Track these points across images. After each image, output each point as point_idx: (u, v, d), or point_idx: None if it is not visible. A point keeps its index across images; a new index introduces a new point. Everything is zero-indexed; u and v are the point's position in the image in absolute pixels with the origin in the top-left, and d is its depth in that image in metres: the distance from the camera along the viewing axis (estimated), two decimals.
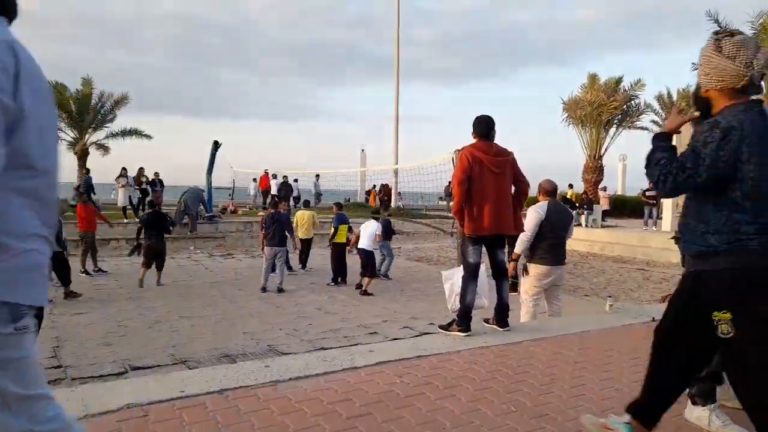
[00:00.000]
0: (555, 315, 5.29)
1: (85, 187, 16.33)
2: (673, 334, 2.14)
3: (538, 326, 4.60)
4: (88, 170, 18.25)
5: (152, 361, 5.24)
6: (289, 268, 10.39)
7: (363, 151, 29.95)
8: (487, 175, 4.16)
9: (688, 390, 2.63)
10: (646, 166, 2.07)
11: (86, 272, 10.13)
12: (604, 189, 22.77)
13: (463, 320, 4.16)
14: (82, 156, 21.47)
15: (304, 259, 11.08)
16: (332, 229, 10.18)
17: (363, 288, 8.79)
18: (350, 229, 10.03)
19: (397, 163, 23.82)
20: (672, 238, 3.02)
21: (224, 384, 2.94)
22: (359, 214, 20.31)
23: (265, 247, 9.21)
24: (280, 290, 8.84)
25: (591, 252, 15.04)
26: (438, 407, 2.77)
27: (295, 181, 24.17)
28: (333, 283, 9.61)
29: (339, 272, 9.75)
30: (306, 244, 10.98)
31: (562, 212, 5.32)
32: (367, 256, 8.99)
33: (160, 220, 9.79)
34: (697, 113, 2.10)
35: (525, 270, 5.26)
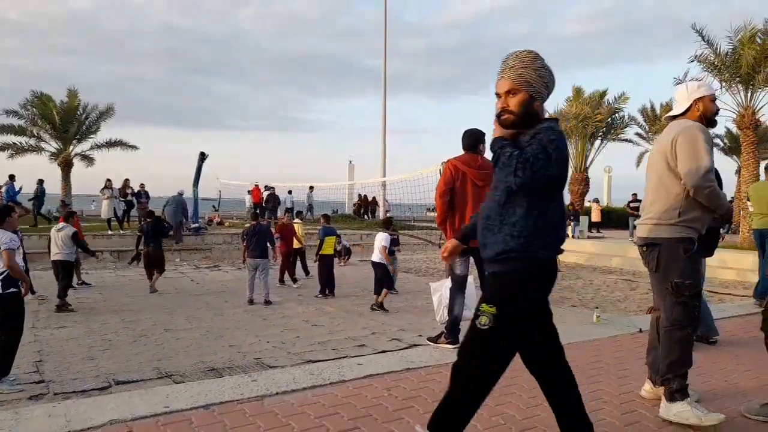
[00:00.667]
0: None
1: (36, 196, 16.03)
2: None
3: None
4: (41, 180, 17.59)
5: (137, 375, 5.15)
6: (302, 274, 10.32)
7: (351, 162, 30.00)
8: (469, 188, 4.19)
9: (664, 389, 2.69)
10: (496, 163, 2.09)
11: (71, 286, 9.98)
12: (596, 200, 23.00)
13: (452, 332, 4.16)
14: (66, 167, 21.25)
15: (293, 271, 11.06)
16: (318, 241, 10.14)
17: (378, 302, 8.41)
18: (339, 241, 10.00)
19: (384, 175, 23.88)
20: (642, 245, 3.18)
21: (210, 399, 2.90)
22: (346, 226, 20.31)
23: (247, 259, 9.18)
24: (267, 302, 8.76)
25: (578, 263, 15.15)
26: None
27: (289, 192, 24.11)
28: (321, 295, 9.55)
29: (327, 284, 9.70)
30: (295, 255, 11.02)
31: None
32: (378, 269, 8.66)
33: (159, 228, 10.12)
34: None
35: None
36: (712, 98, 3.06)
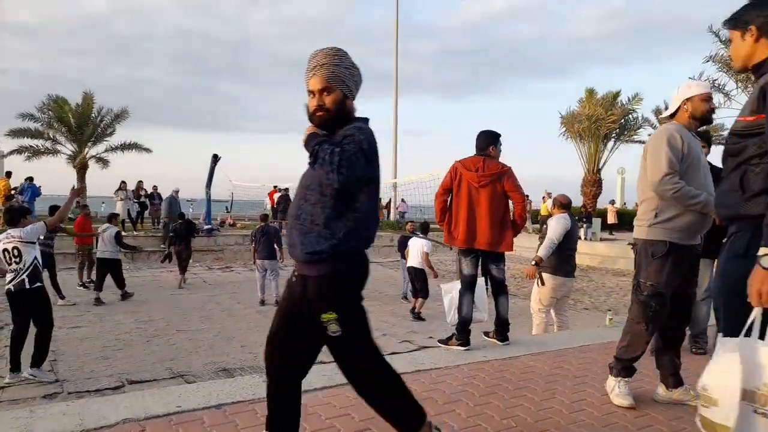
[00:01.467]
0: (564, 327, 5.32)
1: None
2: (281, 337, 2.20)
3: (538, 340, 4.59)
4: (30, 178, 17.25)
5: (149, 375, 5.20)
6: None
7: None
8: (464, 190, 4.19)
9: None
10: (315, 161, 1.94)
11: (84, 285, 10.11)
12: (612, 202, 22.78)
13: (462, 334, 4.15)
14: (82, 169, 21.50)
15: None
16: None
17: (417, 311, 8.29)
18: None
19: (395, 177, 23.87)
20: (630, 244, 3.24)
21: (222, 398, 2.92)
22: None
23: (257, 260, 9.23)
24: (278, 303, 8.79)
25: (591, 265, 15.03)
26: (438, 422, 2.74)
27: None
28: None
29: None
30: None
31: (575, 225, 5.52)
32: (417, 275, 8.45)
33: (189, 229, 11.40)
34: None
35: (540, 281, 5.23)
36: (704, 97, 2.98)
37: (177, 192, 17.00)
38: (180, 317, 7.83)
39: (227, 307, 8.67)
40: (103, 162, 22.42)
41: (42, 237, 5.41)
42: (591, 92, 23.71)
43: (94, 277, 10.33)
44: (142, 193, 17.93)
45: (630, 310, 3.06)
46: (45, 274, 7.70)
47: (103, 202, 17.32)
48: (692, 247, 2.97)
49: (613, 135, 23.45)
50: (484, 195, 4.18)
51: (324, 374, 3.42)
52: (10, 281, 5.04)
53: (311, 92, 2.05)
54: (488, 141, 4.34)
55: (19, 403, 4.37)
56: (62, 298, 8.53)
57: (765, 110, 1.81)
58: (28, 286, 5.00)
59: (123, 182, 17.06)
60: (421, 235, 9.03)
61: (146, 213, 18.19)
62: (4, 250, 5.04)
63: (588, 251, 15.79)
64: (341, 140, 1.95)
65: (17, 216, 5.30)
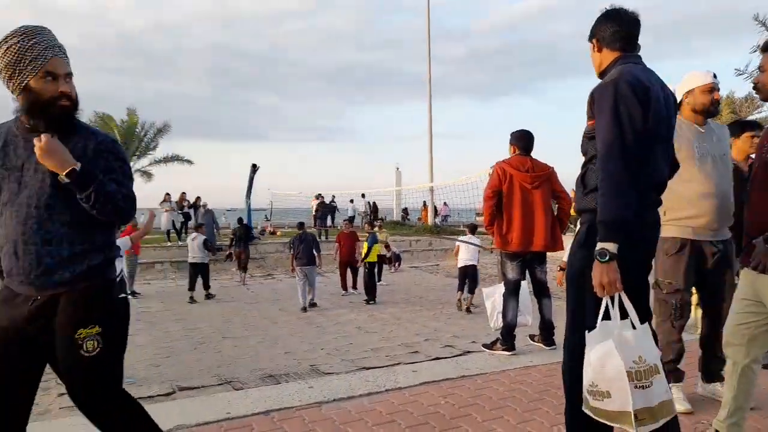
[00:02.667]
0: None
1: None
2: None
3: None
4: None
5: (198, 382, 5.31)
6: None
7: (398, 169, 30.03)
8: (517, 191, 4.11)
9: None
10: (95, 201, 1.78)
11: (132, 294, 10.47)
12: None
13: (507, 339, 4.09)
14: None
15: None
16: (365, 248, 10.22)
17: (467, 306, 8.55)
18: (388, 248, 10.07)
19: (432, 181, 23.79)
20: None
21: (269, 405, 2.96)
22: (395, 232, 20.33)
23: (296, 267, 9.42)
24: (312, 305, 9.09)
25: None
26: (486, 429, 2.70)
27: (351, 201, 24.44)
28: (372, 302, 9.61)
29: (370, 291, 9.78)
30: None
31: None
32: (468, 271, 8.71)
33: (247, 232, 13.21)
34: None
35: None
36: (705, 89, 2.85)
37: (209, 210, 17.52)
38: (225, 325, 8.00)
39: (270, 314, 8.81)
40: (147, 175, 23.24)
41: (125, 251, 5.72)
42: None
43: (135, 288, 10.73)
44: (185, 204, 18.43)
45: (654, 311, 2.96)
46: None
47: (142, 214, 17.96)
48: (712, 243, 2.87)
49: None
50: (539, 196, 4.13)
51: (368, 380, 3.43)
52: None
53: (52, 75, 1.74)
54: (529, 140, 4.28)
55: (76, 410, 4.54)
56: None
57: (593, 115, 1.97)
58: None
59: (167, 194, 17.60)
60: (466, 237, 9.35)
61: (190, 223, 18.71)
62: None
63: None
64: (93, 149, 1.81)
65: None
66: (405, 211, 27.96)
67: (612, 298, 1.87)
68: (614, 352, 1.80)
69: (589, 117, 2.07)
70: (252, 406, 2.94)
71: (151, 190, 24.74)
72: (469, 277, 8.69)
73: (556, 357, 3.97)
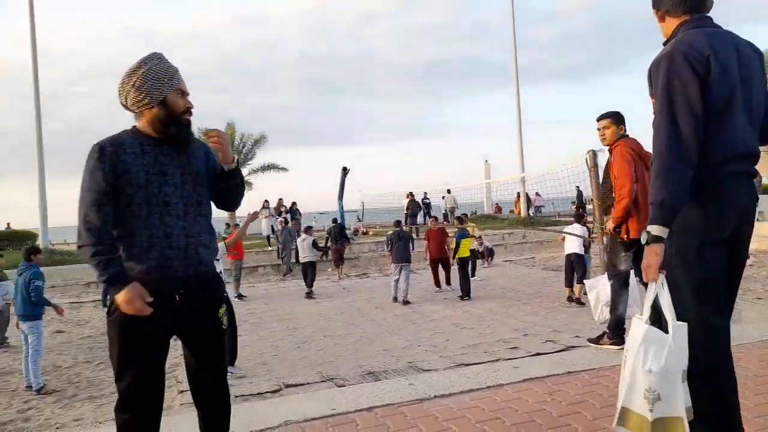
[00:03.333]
0: (734, 322, 4.69)
1: None
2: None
3: None
4: None
5: (302, 379, 5.53)
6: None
7: (487, 161, 29.48)
8: (641, 175, 3.86)
9: None
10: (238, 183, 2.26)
11: (239, 297, 11.13)
12: None
13: (616, 332, 3.86)
14: None
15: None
16: (454, 244, 10.10)
17: (576, 297, 8.26)
18: (481, 242, 9.86)
19: (523, 171, 23.06)
20: None
21: (371, 401, 3.00)
22: (487, 226, 19.95)
23: (392, 263, 9.74)
24: (405, 302, 9.14)
25: (759, 248, 13.20)
26: (598, 428, 2.56)
27: (443, 198, 24.48)
28: (467, 297, 9.49)
29: (464, 287, 9.65)
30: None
31: None
32: (577, 261, 8.43)
33: (342, 231, 14.45)
34: None
35: None
36: None
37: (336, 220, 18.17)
38: (325, 323, 8.26)
39: (366, 312, 8.98)
40: (247, 184, 24.53)
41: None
42: None
43: (241, 291, 11.38)
44: (283, 209, 19.29)
45: None
46: None
47: (227, 224, 19.06)
48: None
49: None
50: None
51: (468, 377, 3.38)
52: None
53: (182, 92, 2.08)
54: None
55: (192, 407, 4.89)
56: None
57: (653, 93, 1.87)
58: None
59: (266, 201, 18.53)
60: (570, 227, 9.04)
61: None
62: None
63: (759, 233, 13.88)
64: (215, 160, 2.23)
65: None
66: (460, 217, 27.28)
67: (662, 285, 1.77)
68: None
69: (650, 95, 1.94)
70: (355, 403, 2.99)
71: (250, 198, 26.16)
72: (576, 265, 8.36)
73: None
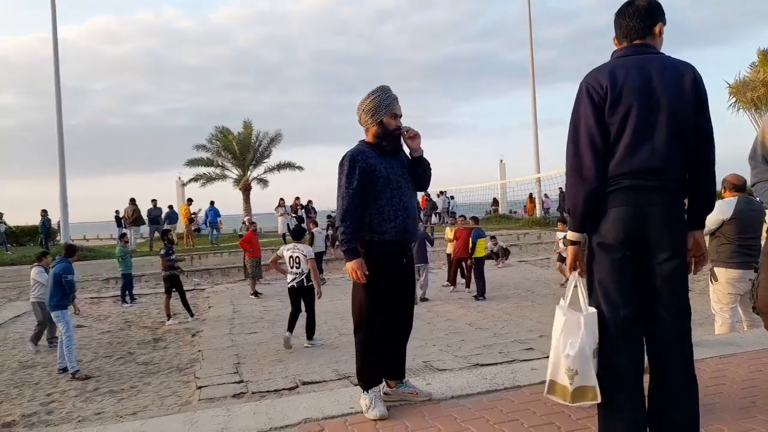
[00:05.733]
0: (755, 325, 4.60)
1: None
2: None
3: (729, 340, 4.05)
4: (212, 202, 20.36)
5: (319, 376, 5.58)
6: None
7: (502, 161, 29.29)
8: None
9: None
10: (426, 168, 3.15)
11: (255, 294, 11.22)
12: None
13: None
14: (246, 191, 23.91)
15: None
16: (470, 244, 10.07)
17: None
18: (495, 242, 9.73)
19: (538, 171, 22.90)
20: None
21: (388, 402, 3.02)
22: (501, 226, 19.86)
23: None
24: (423, 299, 9.13)
25: None
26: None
27: (452, 198, 24.46)
28: (482, 297, 9.48)
29: (479, 287, 9.63)
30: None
31: (756, 209, 4.58)
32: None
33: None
34: None
35: (713, 276, 4.64)
36: None
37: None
38: (340, 322, 8.30)
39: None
40: (263, 182, 24.70)
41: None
42: (765, 54, 20.54)
43: (258, 289, 11.47)
44: (299, 207, 19.40)
45: None
46: (175, 294, 9.03)
47: (243, 223, 19.38)
48: None
49: None
50: None
51: (485, 378, 3.38)
52: (292, 280, 7.07)
53: (394, 115, 2.95)
54: None
55: (214, 402, 4.97)
56: (191, 316, 9.29)
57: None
58: (305, 284, 7.01)
59: (281, 199, 18.66)
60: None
61: (304, 225, 19.67)
62: (290, 257, 7.12)
63: None
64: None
65: (300, 234, 7.93)
66: (475, 217, 27.12)
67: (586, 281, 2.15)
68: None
69: None
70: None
71: (267, 195, 26.31)
72: None
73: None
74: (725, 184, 4.67)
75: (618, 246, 2.04)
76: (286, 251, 7.26)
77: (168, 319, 9.15)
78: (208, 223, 19.95)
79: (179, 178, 25.76)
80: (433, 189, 24.14)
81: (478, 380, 3.34)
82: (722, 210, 4.45)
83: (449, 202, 23.62)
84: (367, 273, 2.85)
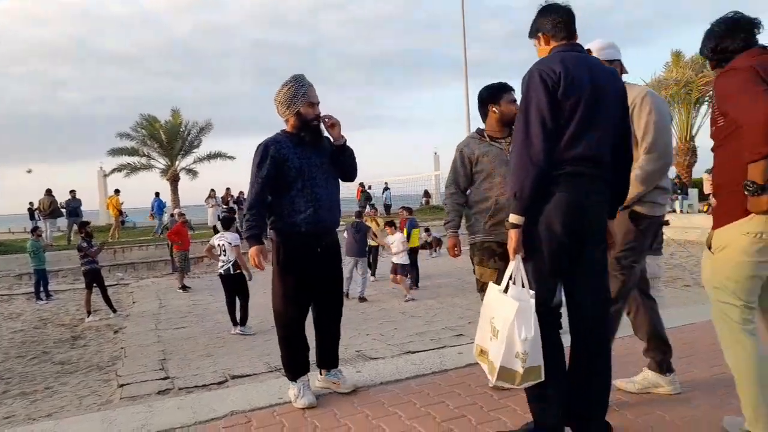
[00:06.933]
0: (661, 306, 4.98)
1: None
2: None
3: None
4: (157, 193, 19.88)
5: (249, 369, 5.47)
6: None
7: (436, 153, 29.82)
8: None
9: None
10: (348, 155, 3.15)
11: (183, 288, 10.84)
12: (709, 171, 21.20)
13: None
14: (174, 181, 22.99)
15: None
16: (405, 234, 10.20)
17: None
18: (429, 233, 9.89)
19: None
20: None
21: (319, 390, 3.02)
22: (435, 217, 20.23)
23: (345, 256, 9.42)
24: (362, 299, 8.95)
25: (688, 239, 14.05)
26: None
27: (387, 189, 24.59)
28: (415, 287, 9.62)
29: (413, 276, 9.77)
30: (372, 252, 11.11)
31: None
32: None
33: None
34: None
35: None
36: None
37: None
38: (272, 314, 8.18)
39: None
40: (192, 173, 23.85)
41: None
42: (678, 55, 22.07)
43: (186, 282, 11.07)
44: (230, 199, 18.88)
45: None
46: (96, 290, 8.56)
47: (148, 213, 19.18)
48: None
49: (706, 99, 21.71)
50: None
51: (414, 363, 3.45)
52: (221, 268, 7.24)
53: (311, 104, 2.91)
54: None
55: (137, 400, 4.76)
56: (114, 312, 8.88)
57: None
58: (232, 272, 7.19)
59: (212, 190, 18.10)
60: None
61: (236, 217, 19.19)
62: (218, 245, 7.24)
63: (685, 224, 14.75)
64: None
65: (229, 222, 7.95)
66: (408, 208, 27.75)
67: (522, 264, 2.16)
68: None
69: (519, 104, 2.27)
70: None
71: (196, 186, 25.39)
72: None
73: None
74: None
75: (561, 231, 2.10)
76: (216, 239, 7.48)
77: (88, 316, 8.67)
78: (153, 215, 19.59)
79: (101, 168, 24.43)
80: (372, 181, 24.25)
81: (407, 366, 3.41)
82: None
83: (387, 195, 23.81)
84: (264, 262, 2.91)
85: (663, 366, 2.81)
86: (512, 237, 2.14)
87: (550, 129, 2.08)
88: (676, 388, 2.78)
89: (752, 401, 2.09)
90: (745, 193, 1.98)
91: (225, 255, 7.20)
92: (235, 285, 7.25)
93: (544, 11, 2.27)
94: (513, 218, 2.12)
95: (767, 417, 2.07)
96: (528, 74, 2.15)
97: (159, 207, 19.73)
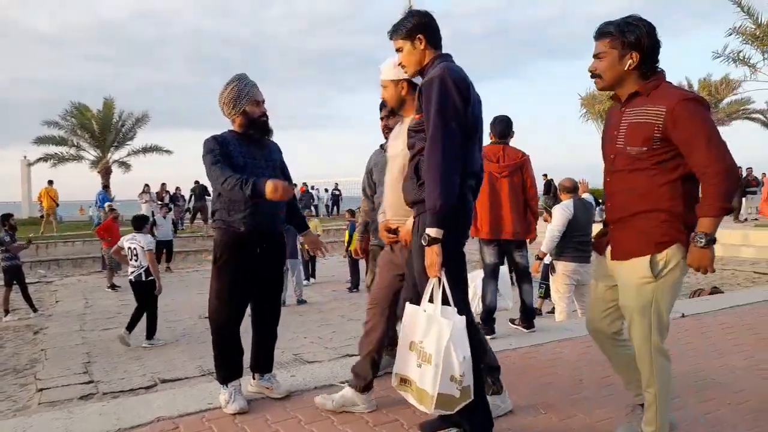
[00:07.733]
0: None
1: None
2: None
3: (565, 326, 4.54)
4: (106, 186, 18.65)
5: (181, 373, 5.31)
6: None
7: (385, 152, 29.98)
8: (485, 181, 4.12)
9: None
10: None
11: (112, 287, 10.35)
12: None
13: (486, 322, 4.14)
14: (105, 174, 21.91)
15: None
16: (347, 237, 10.23)
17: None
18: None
19: None
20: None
21: (250, 396, 2.96)
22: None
23: None
24: (301, 302, 8.82)
25: None
26: None
27: (326, 191, 24.42)
28: (356, 290, 9.64)
29: (353, 279, 9.80)
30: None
31: (588, 209, 5.25)
32: None
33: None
34: None
35: (552, 269, 5.20)
36: None
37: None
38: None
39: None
40: (125, 166, 22.83)
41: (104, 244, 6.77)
42: None
43: (116, 281, 10.55)
44: (165, 194, 18.19)
45: None
46: (16, 287, 8.03)
47: (90, 206, 18.18)
48: None
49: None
50: (506, 185, 4.14)
51: (350, 367, 3.45)
52: (131, 273, 6.58)
53: (256, 102, 2.85)
54: (507, 126, 4.30)
55: (57, 405, 4.51)
56: (34, 311, 8.44)
57: (422, 110, 2.10)
58: (144, 279, 6.53)
59: (146, 185, 17.35)
60: None
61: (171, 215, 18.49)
62: (128, 248, 6.56)
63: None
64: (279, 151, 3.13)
65: (141, 222, 6.99)
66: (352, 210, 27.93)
67: (439, 282, 2.10)
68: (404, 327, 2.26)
69: (417, 111, 2.26)
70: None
71: (130, 180, 24.34)
72: None
73: (534, 339, 4.04)
74: (561, 187, 5.28)
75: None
76: (126, 242, 6.70)
77: (5, 315, 8.12)
78: (97, 208, 18.40)
79: (25, 157, 22.96)
80: (318, 181, 24.05)
81: (342, 370, 3.40)
82: (565, 211, 5.00)
83: (337, 195, 23.73)
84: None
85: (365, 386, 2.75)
86: (436, 252, 2.03)
87: (466, 139, 2.11)
88: (371, 405, 2.74)
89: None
90: (695, 245, 1.89)
91: (136, 260, 6.55)
92: (144, 293, 6.58)
93: (428, 16, 2.26)
94: (436, 233, 2.02)
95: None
96: (440, 80, 2.05)
97: (103, 201, 18.48)
